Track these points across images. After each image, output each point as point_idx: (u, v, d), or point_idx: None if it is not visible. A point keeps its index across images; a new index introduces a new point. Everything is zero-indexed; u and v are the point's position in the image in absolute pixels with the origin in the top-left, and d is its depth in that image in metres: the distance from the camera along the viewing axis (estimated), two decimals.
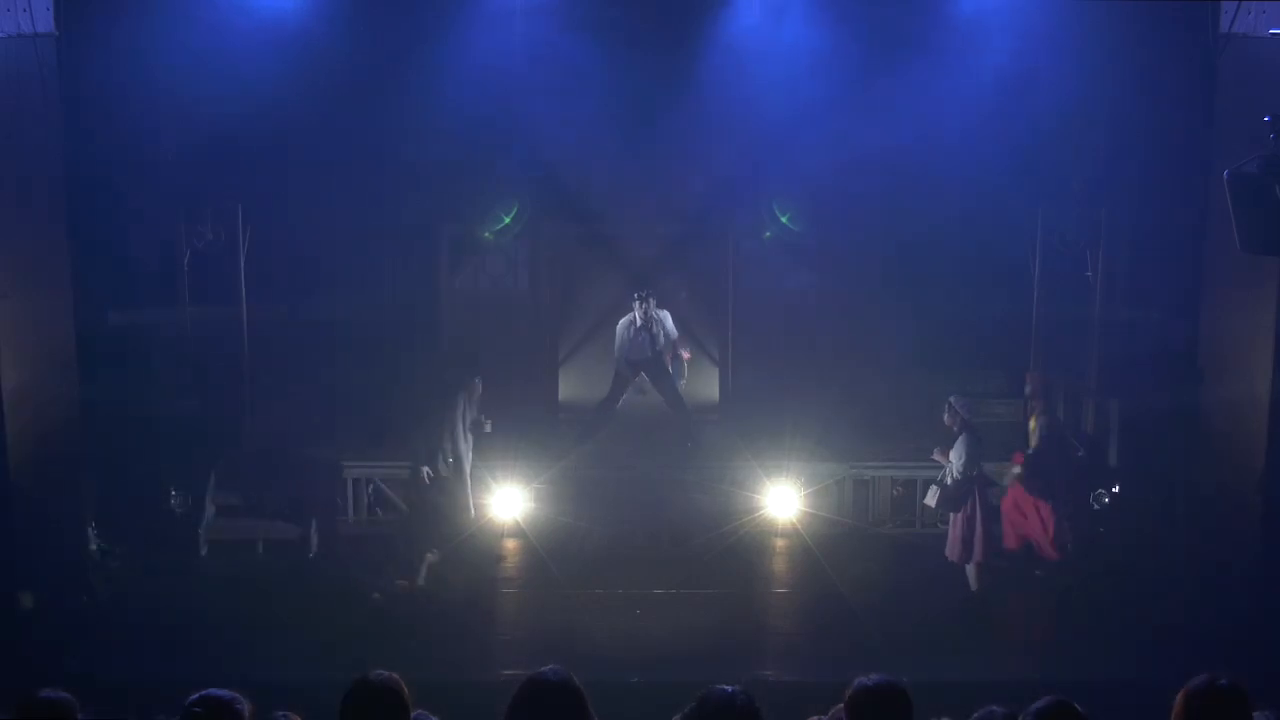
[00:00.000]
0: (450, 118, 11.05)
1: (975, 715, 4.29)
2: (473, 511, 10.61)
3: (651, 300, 11.87)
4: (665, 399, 12.21)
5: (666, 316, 12.05)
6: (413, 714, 4.15)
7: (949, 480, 9.90)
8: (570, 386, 13.25)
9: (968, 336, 12.14)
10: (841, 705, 4.15)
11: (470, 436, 10.50)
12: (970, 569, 10.06)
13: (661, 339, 12.00)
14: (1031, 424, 10.73)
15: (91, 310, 10.38)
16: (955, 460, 9.84)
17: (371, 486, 11.53)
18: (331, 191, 11.69)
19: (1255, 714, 4.12)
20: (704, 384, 13.40)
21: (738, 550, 10.88)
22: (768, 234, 12.86)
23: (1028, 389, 10.99)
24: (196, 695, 4.03)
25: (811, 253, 13.00)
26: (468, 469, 10.50)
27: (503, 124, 10.98)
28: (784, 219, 12.65)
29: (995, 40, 10.43)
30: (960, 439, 9.86)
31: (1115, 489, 11.22)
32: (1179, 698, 4.02)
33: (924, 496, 10.55)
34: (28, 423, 10.11)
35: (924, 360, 11.97)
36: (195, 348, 11.52)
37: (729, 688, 3.90)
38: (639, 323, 11.86)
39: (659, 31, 11.00)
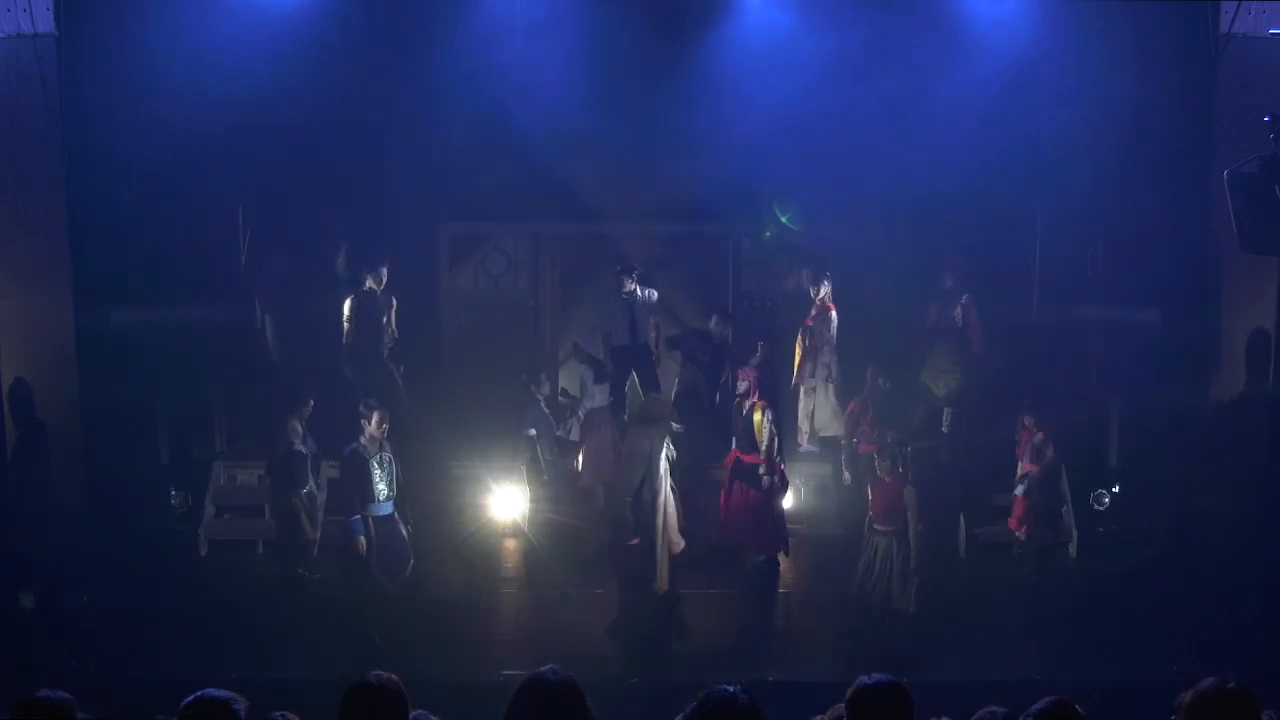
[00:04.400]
0: (450, 117, 11.04)
1: (975, 715, 4.29)
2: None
3: (634, 275, 11.38)
4: None
5: (653, 295, 11.57)
6: (412, 714, 4.15)
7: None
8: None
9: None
10: (842, 705, 4.14)
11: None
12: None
13: (642, 321, 11.49)
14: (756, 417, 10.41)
15: (91, 310, 10.36)
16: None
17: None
18: (332, 191, 11.68)
19: (1265, 713, 4.10)
20: None
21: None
22: (768, 234, 12.85)
23: (742, 386, 10.60)
24: (193, 695, 4.02)
25: (812, 253, 12.98)
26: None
27: (503, 122, 10.95)
28: (784, 219, 12.63)
29: (996, 41, 10.41)
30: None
31: (1115, 489, 11.22)
32: (1187, 699, 3.98)
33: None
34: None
35: (923, 360, 11.97)
36: (195, 347, 11.49)
37: (729, 688, 3.88)
38: (618, 294, 11.44)
39: (662, 30, 10.97)
